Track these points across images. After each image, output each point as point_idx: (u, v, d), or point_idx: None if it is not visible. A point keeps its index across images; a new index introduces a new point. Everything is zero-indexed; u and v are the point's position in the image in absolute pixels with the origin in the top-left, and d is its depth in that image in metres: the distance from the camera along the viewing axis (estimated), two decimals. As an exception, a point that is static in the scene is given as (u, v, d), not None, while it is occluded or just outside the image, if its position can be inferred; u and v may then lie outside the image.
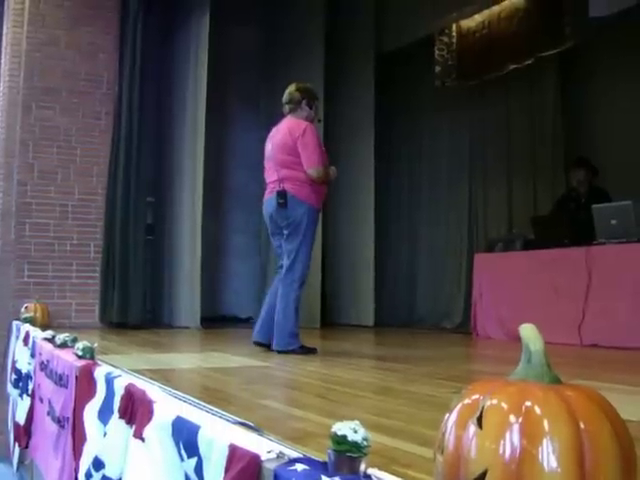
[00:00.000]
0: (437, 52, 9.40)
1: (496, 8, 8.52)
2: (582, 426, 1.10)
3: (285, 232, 5.37)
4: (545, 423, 1.09)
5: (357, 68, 9.69)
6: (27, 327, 6.06)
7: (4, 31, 8.34)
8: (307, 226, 5.29)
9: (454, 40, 9.27)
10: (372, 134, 9.49)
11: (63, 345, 4.30)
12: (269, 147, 5.51)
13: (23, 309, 7.09)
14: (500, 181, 9.01)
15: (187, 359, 5.14)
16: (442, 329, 9.01)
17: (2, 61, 8.29)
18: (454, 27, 9.23)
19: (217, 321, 9.46)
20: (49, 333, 4.91)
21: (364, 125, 9.52)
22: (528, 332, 1.26)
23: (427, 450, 2.01)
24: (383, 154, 9.82)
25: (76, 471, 3.30)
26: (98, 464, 2.81)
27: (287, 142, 5.32)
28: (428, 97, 9.89)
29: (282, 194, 5.26)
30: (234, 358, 5.06)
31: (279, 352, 5.20)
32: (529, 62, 8.13)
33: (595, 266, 6.23)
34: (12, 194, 7.80)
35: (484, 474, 1.09)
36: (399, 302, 10.12)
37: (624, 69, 7.66)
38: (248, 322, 9.84)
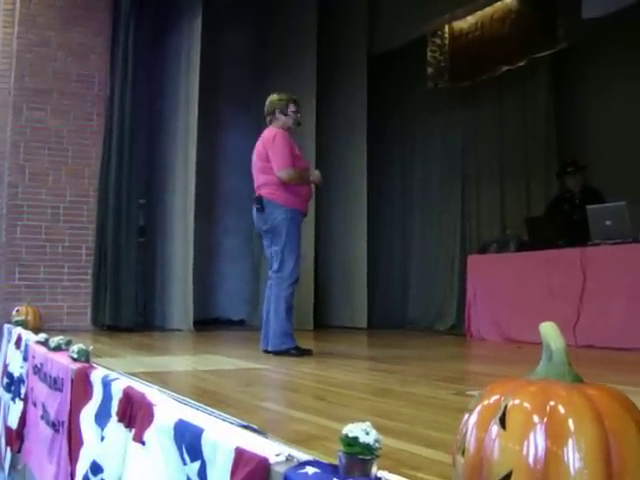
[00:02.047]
0: (429, 53, 9.40)
1: (489, 9, 8.52)
2: (607, 425, 1.07)
3: (268, 235, 5.50)
4: (570, 423, 1.06)
5: (349, 70, 9.67)
6: (19, 330, 6.01)
7: (-6, 32, 8.29)
8: (288, 228, 5.40)
9: (446, 41, 9.26)
10: (364, 135, 9.47)
11: (57, 348, 4.26)
12: (253, 157, 5.72)
13: (14, 312, 7.03)
14: (493, 182, 9.00)
15: (182, 362, 5.10)
16: (435, 331, 8.98)
17: (-7, 62, 8.24)
18: (446, 28, 9.23)
19: (210, 323, 9.42)
20: (42, 336, 4.86)
21: (356, 126, 9.50)
22: (549, 330, 1.22)
23: (434, 452, 1.99)
24: (376, 155, 9.80)
25: (72, 476, 3.25)
26: (96, 468, 2.77)
27: (261, 151, 5.56)
28: (421, 98, 9.88)
29: (259, 200, 5.46)
30: (229, 360, 5.02)
31: (274, 353, 5.22)
32: (522, 63, 8.13)
33: (590, 267, 6.22)
34: (3, 196, 7.75)
35: (508, 476, 1.06)
36: (392, 304, 10.09)
37: (617, 69, 7.66)
38: (241, 324, 9.83)
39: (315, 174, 5.58)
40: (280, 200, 5.40)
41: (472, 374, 4.65)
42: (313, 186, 5.68)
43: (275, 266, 5.43)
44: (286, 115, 5.63)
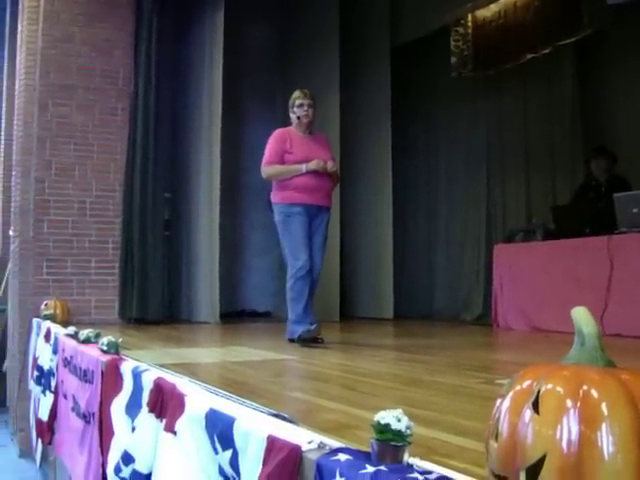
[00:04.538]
0: (453, 43, 9.33)
1: (512, -3, 8.47)
2: (641, 409, 1.07)
3: None
4: (603, 407, 1.06)
5: (373, 61, 9.63)
6: (48, 324, 6.08)
7: (19, 29, 8.35)
8: (280, 225, 5.67)
9: (470, 30, 9.20)
10: (389, 126, 9.44)
11: (87, 341, 4.31)
12: None
13: (43, 306, 7.10)
14: (518, 171, 8.95)
15: (210, 353, 5.13)
16: (462, 321, 8.96)
17: (18, 59, 8.31)
18: (470, 17, 9.16)
19: (236, 316, 9.46)
20: (72, 329, 4.92)
21: (381, 117, 9.47)
22: (581, 315, 1.23)
23: (465, 440, 1.99)
24: (400, 146, 9.78)
25: (103, 466, 3.29)
26: (128, 458, 2.80)
27: None
28: (445, 88, 9.84)
29: (269, 201, 5.82)
30: (256, 352, 5.04)
31: (296, 342, 5.36)
32: (546, 51, 8.06)
33: (617, 255, 6.17)
34: (30, 191, 7.80)
35: (542, 460, 1.06)
36: (418, 294, 10.08)
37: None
38: (267, 316, 9.86)
39: (311, 163, 5.58)
40: (273, 199, 5.73)
41: (500, 363, 4.64)
42: (323, 175, 5.66)
43: None
44: (293, 113, 5.81)
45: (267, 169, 5.68)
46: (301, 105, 5.75)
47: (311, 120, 5.79)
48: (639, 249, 6.03)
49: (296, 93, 5.83)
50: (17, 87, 8.22)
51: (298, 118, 5.75)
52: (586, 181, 7.66)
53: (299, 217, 5.55)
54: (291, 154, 5.63)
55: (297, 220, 5.55)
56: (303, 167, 5.55)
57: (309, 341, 5.20)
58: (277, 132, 5.82)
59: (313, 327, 5.25)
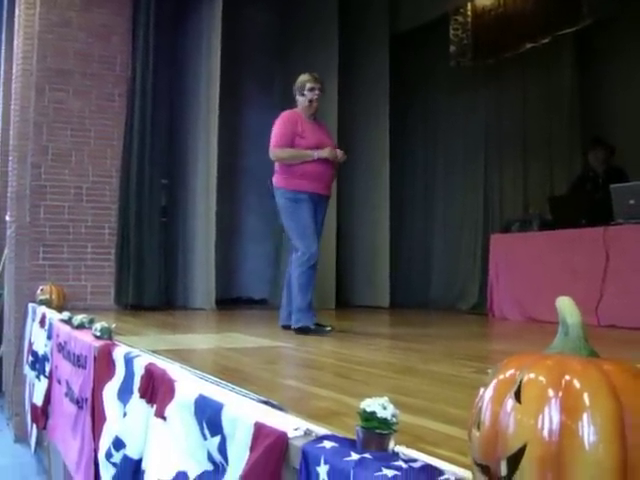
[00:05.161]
0: (452, 31, 9.29)
1: (512, -14, 8.43)
2: (623, 400, 1.07)
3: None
4: (585, 397, 1.06)
5: (372, 48, 9.62)
6: (43, 309, 6.07)
7: (16, 13, 8.29)
8: (284, 211, 5.55)
9: (469, 19, 9.16)
10: (387, 114, 9.43)
11: (80, 326, 4.31)
12: None
13: (39, 291, 7.09)
14: (516, 161, 8.95)
15: (205, 340, 5.14)
16: (457, 310, 8.97)
17: (15, 43, 8.26)
18: (469, 6, 9.12)
19: (231, 302, 9.45)
20: (66, 315, 4.92)
21: (379, 104, 9.46)
22: (565, 305, 1.23)
23: (453, 429, 2.00)
24: (398, 134, 9.77)
25: (95, 451, 3.30)
26: (119, 444, 2.80)
27: None
28: (444, 77, 9.81)
29: (270, 186, 5.68)
30: (251, 339, 5.05)
31: (294, 330, 5.33)
32: (546, 41, 8.03)
33: (613, 246, 6.18)
34: (26, 177, 7.78)
35: (523, 449, 1.07)
36: (414, 283, 10.08)
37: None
38: (263, 303, 9.85)
39: (324, 150, 5.52)
40: (278, 183, 5.59)
41: (494, 353, 4.65)
42: (330, 164, 5.62)
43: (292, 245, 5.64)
44: (302, 96, 5.69)
45: (277, 151, 5.53)
46: (312, 89, 5.66)
47: (318, 105, 5.75)
48: (635, 240, 6.04)
49: (306, 76, 5.73)
50: (14, 71, 8.17)
51: (310, 101, 5.64)
52: (583, 172, 7.66)
53: (306, 204, 5.48)
54: (303, 138, 5.53)
55: (305, 207, 5.48)
56: (315, 154, 5.48)
57: (310, 331, 5.23)
58: (287, 114, 5.69)
59: (328, 329, 5.28)
